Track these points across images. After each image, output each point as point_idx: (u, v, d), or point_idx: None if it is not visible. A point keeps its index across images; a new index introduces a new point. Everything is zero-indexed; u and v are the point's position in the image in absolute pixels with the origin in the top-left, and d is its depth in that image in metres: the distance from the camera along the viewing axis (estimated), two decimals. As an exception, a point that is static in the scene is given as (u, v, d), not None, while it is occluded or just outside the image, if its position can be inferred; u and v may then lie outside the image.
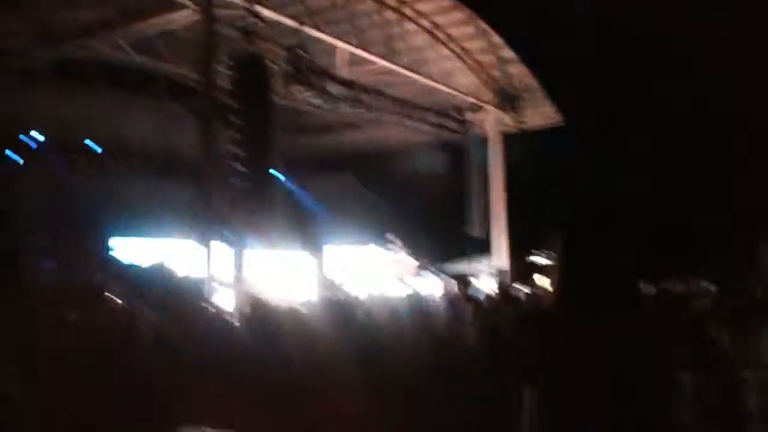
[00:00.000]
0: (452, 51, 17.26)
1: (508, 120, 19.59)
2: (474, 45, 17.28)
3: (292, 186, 22.09)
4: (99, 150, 16.73)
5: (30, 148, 15.24)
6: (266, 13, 12.35)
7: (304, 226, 19.13)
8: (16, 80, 15.06)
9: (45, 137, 15.51)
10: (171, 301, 7.24)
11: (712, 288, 5.19)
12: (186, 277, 10.35)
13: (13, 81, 15.02)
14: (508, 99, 18.92)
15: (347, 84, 15.27)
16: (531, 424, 2.25)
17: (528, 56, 17.83)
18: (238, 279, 11.77)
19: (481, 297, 9.01)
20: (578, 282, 2.25)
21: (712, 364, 2.71)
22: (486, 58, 17.92)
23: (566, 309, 2.21)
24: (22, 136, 15.12)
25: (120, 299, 8.60)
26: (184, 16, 12.18)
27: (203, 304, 8.01)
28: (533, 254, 17.06)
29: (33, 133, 15.36)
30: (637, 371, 2.10)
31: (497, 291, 9.98)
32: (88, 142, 16.44)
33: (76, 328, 5.25)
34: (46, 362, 4.56)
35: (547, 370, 2.18)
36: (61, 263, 11.06)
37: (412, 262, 17.74)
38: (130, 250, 13.01)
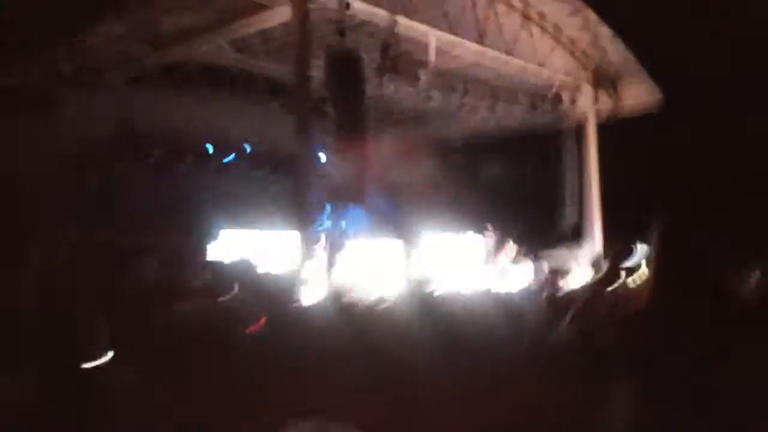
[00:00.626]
0: (546, 30, 16.77)
1: (605, 102, 18.87)
2: (569, 23, 16.71)
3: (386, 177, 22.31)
4: (207, 149, 17.58)
5: (142, 149, 16.20)
6: (358, 5, 12.51)
7: (400, 216, 19.29)
8: (126, 85, 16.09)
9: (156, 139, 16.46)
10: (254, 294, 7.51)
11: None
12: (269, 273, 10.70)
13: (122, 85, 16.06)
14: (605, 79, 18.20)
15: (438, 71, 15.22)
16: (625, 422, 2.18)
17: (627, 34, 17.10)
18: (330, 272, 12.03)
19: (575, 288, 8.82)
20: (676, 274, 2.17)
21: None
22: (582, 36, 17.30)
23: (665, 304, 2.14)
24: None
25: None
26: (279, 14, 12.55)
27: (286, 301, 8.25)
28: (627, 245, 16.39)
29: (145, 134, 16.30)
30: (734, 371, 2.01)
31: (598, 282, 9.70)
32: (194, 141, 17.24)
33: (185, 324, 5.54)
34: (159, 356, 4.82)
35: (648, 368, 2.12)
36: (167, 262, 11.68)
37: (511, 248, 17.49)
38: (235, 242, 13.59)
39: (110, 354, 3.84)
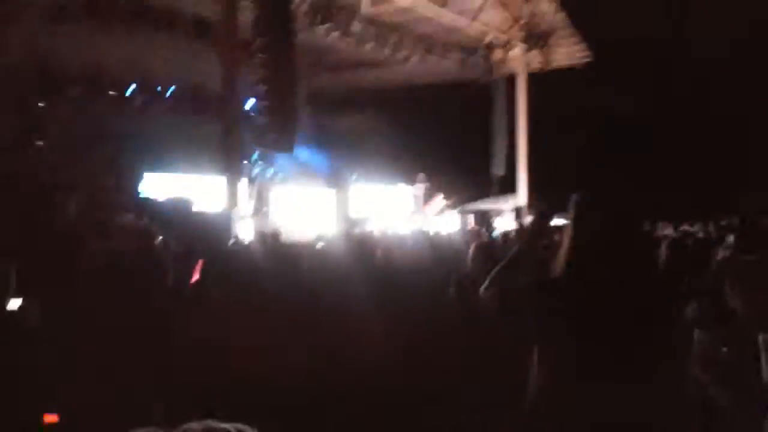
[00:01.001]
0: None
1: (536, 58, 19.20)
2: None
3: (316, 123, 22.15)
4: (129, 87, 16.91)
5: (57, 85, 15.43)
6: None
7: (329, 163, 19.26)
8: (43, 19, 15.20)
9: (75, 75, 15.69)
10: (191, 233, 7.44)
11: (731, 238, 5.07)
12: (206, 211, 10.58)
13: (38, 19, 15.16)
14: (537, 36, 18.48)
15: (372, 22, 15.08)
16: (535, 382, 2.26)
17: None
18: (259, 213, 12.00)
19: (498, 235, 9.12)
20: (591, 244, 2.23)
21: (727, 325, 2.64)
22: (515, -7, 17.48)
23: (576, 272, 2.20)
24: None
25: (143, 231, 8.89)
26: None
27: (224, 236, 8.22)
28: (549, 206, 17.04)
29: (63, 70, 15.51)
30: (645, 327, 2.11)
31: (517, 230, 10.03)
32: (115, 79, 16.55)
33: (102, 256, 5.41)
34: (68, 292, 4.71)
35: (554, 332, 2.19)
36: (89, 199, 11.34)
37: (439, 200, 17.82)
38: (157, 185, 13.26)
39: (17, 301, 3.72)
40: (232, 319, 4.92)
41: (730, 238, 4.47)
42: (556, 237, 2.41)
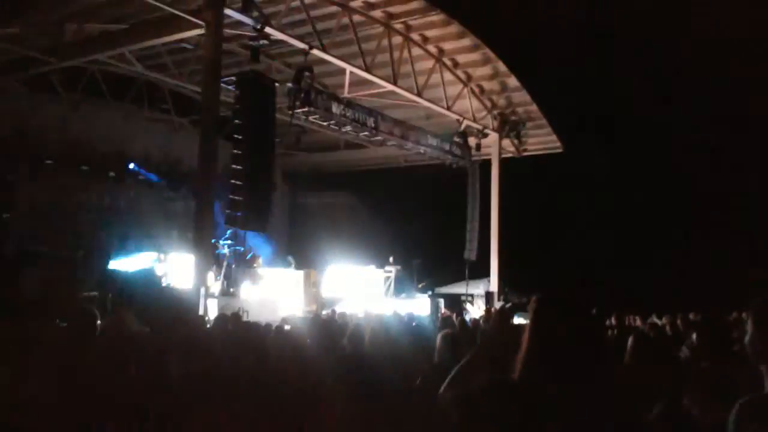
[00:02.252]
0: (457, 77, 17.43)
1: (510, 146, 19.73)
2: (479, 71, 17.44)
3: (291, 203, 22.26)
4: (105, 160, 16.91)
5: (37, 158, 15.40)
6: (274, 32, 12.52)
7: (302, 243, 19.25)
8: (24, 89, 15.35)
9: (52, 147, 15.70)
10: (156, 307, 7.29)
11: (693, 336, 5.07)
12: (172, 286, 10.41)
13: (20, 90, 15.31)
14: (510, 125, 19.06)
15: (351, 105, 15.45)
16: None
17: (532, 85, 18.04)
18: (226, 292, 11.84)
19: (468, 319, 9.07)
20: (549, 347, 2.19)
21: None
22: (491, 85, 18.09)
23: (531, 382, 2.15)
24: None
25: (110, 305, 8.70)
26: (192, 34, 12.35)
27: (187, 313, 8.05)
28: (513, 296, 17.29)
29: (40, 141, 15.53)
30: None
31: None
32: (91, 151, 16.56)
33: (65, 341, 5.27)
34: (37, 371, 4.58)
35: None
36: (53, 273, 11.13)
37: (412, 284, 17.79)
38: (126, 261, 13.08)
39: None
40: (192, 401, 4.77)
41: (693, 337, 4.48)
42: (520, 336, 2.38)
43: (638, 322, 11.08)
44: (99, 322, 5.54)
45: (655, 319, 11.03)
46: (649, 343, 4.81)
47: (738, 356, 1.96)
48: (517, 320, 2.69)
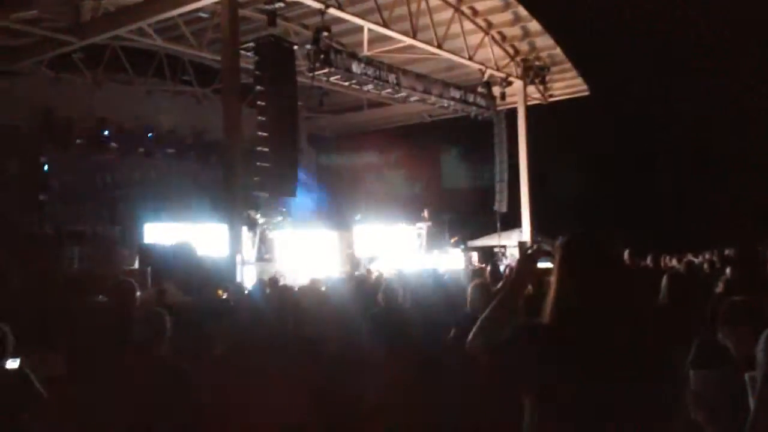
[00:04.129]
0: (477, 25, 17.08)
1: (536, 92, 19.38)
2: (499, 18, 17.06)
3: (319, 165, 22.31)
4: (132, 136, 17.12)
5: (66, 139, 15.65)
6: (288, -7, 12.39)
7: (332, 206, 19.34)
8: (47, 69, 15.50)
9: (79, 126, 15.93)
10: (195, 278, 7.45)
11: (728, 271, 5.00)
12: (209, 256, 10.57)
13: (43, 71, 15.47)
14: (535, 71, 18.67)
15: (372, 63, 15.29)
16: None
17: (555, 28, 17.59)
18: (262, 258, 12.01)
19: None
20: (579, 288, 2.16)
21: (720, 365, 2.60)
22: (512, 31, 17.70)
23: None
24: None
25: (150, 278, 8.91)
26: (208, 2, 12.28)
27: (225, 281, 8.20)
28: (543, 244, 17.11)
29: (67, 121, 15.74)
30: (640, 371, 2.05)
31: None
32: (119, 128, 16.76)
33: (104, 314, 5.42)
34: (82, 347, 4.73)
35: (546, 381, 2.12)
36: (94, 250, 11.39)
37: (444, 239, 17.80)
38: (160, 233, 13.31)
39: (16, 361, 3.70)
40: (233, 374, 4.89)
41: (728, 272, 4.43)
42: (548, 279, 2.37)
43: (674, 262, 10.95)
44: (138, 294, 5.71)
45: (692, 258, 10.91)
46: (682, 283, 4.78)
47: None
48: (543, 264, 2.67)
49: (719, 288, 4.57)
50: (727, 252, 9.31)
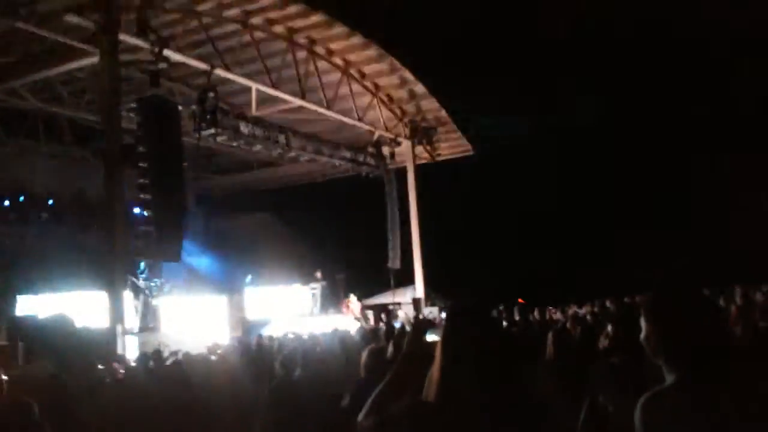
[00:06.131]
0: (365, 87, 17.49)
1: (423, 152, 19.95)
2: (386, 81, 17.56)
3: (208, 227, 21.71)
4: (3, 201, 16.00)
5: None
6: (173, 55, 12.18)
7: (222, 269, 18.77)
8: None
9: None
10: (70, 354, 6.90)
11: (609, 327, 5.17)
12: (88, 328, 9.88)
13: None
14: (422, 132, 19.28)
15: (260, 123, 15.22)
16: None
17: (439, 90, 18.33)
18: (147, 326, 11.40)
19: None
20: (461, 361, 2.13)
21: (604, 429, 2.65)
22: (399, 94, 18.25)
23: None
24: None
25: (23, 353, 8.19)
26: (87, 62, 11.85)
27: (105, 356, 7.66)
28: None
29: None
30: None
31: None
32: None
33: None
34: None
35: None
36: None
37: (354, 300, 17.62)
38: (36, 306, 12.37)
39: None
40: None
41: (609, 328, 4.59)
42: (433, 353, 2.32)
43: (558, 315, 11.37)
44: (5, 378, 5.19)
45: (576, 309, 11.37)
46: (566, 340, 4.91)
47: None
48: (431, 337, 2.65)
49: (603, 344, 4.72)
50: (608, 304, 9.76)
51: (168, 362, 7.29)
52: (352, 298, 17.51)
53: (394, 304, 18.93)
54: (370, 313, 17.51)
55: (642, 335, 1.96)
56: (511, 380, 2.09)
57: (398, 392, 2.38)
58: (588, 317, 9.18)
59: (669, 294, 1.97)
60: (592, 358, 4.44)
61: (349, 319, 15.76)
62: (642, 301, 1.97)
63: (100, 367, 7.30)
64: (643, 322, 1.96)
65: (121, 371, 6.82)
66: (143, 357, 6.77)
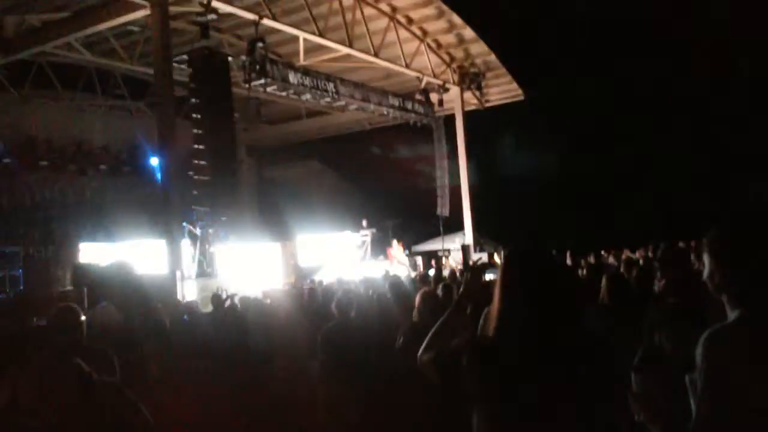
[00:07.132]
0: (413, 33, 17.23)
1: (472, 98, 19.67)
2: (434, 26, 17.25)
3: (260, 177, 22.04)
4: (64, 154, 16.54)
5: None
6: (221, 6, 12.22)
7: (273, 217, 19.12)
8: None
9: (7, 144, 15.29)
10: (131, 298, 7.21)
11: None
12: (148, 274, 10.29)
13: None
14: (470, 78, 18.96)
15: (309, 73, 15.22)
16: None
17: (489, 34, 17.91)
18: (203, 273, 11.78)
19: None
20: (520, 299, 2.17)
21: (659, 367, 2.66)
22: (447, 39, 17.92)
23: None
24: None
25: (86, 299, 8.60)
26: (138, 15, 12.00)
27: (165, 299, 7.99)
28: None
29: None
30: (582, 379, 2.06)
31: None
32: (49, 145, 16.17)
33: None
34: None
35: (491, 394, 2.12)
36: (29, 272, 10.95)
37: (398, 246, 17.82)
38: (97, 254, 12.89)
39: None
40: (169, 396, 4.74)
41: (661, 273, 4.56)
42: (491, 291, 2.37)
43: (611, 259, 11.28)
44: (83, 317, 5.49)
45: (629, 254, 11.25)
46: (621, 284, 4.90)
47: (705, 287, 1.98)
48: (489, 276, 2.69)
49: (658, 287, 4.69)
50: (661, 249, 9.62)
51: (226, 305, 7.59)
52: (395, 243, 17.68)
53: (443, 250, 19.03)
54: (419, 259, 17.67)
55: (705, 272, 1.96)
56: (569, 322, 2.12)
57: (455, 330, 2.45)
58: (641, 261, 9.09)
59: (733, 229, 1.95)
60: (648, 300, 4.44)
61: (393, 265, 15.96)
62: (706, 239, 1.96)
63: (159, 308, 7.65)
64: (706, 259, 1.96)
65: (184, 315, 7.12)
66: (203, 301, 7.04)
